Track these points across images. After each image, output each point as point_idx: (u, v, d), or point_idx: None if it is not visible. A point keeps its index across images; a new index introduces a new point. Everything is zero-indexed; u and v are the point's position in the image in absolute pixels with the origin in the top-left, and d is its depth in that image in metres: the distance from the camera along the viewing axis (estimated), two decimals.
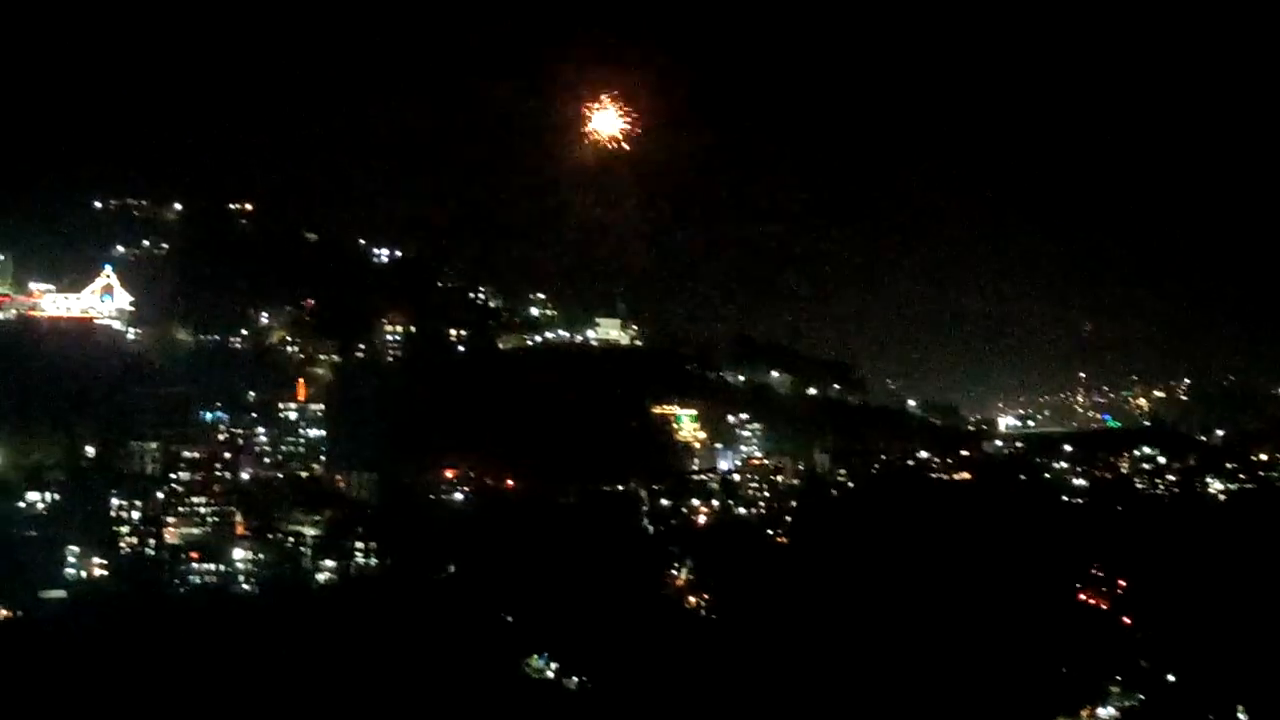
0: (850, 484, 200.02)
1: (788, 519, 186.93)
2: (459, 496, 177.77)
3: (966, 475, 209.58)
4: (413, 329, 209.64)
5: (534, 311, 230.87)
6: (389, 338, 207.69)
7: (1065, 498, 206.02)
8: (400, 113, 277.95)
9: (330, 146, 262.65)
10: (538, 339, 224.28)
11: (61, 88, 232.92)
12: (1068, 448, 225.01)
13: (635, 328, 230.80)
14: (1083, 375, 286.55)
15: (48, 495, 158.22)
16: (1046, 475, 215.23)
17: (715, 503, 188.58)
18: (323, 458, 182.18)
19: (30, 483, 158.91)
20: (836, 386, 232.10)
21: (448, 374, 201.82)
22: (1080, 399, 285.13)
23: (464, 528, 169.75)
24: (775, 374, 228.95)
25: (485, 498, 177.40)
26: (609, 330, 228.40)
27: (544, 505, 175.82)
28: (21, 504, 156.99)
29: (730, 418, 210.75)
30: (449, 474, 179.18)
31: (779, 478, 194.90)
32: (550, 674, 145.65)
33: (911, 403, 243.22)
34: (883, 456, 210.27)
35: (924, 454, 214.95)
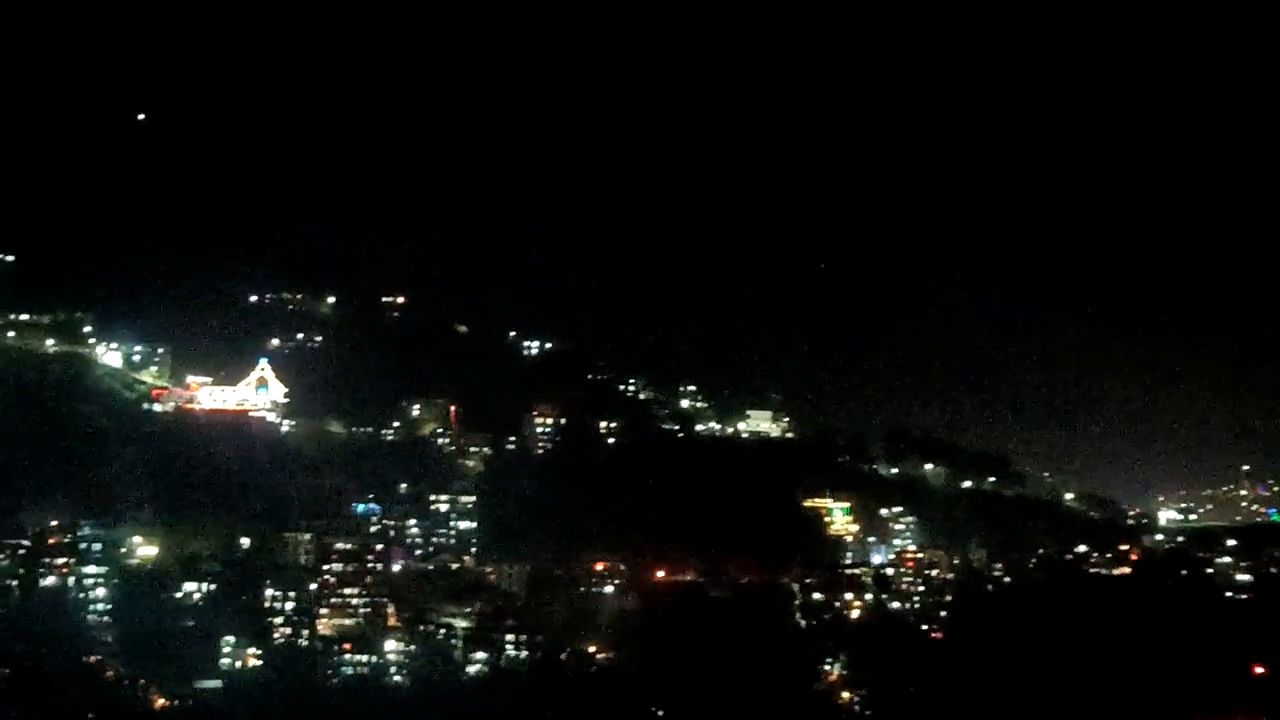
0: (1007, 579, 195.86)
1: (943, 614, 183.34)
2: (609, 589, 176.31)
3: (1126, 570, 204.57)
4: (563, 421, 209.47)
5: (685, 404, 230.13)
6: (539, 430, 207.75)
7: (1229, 593, 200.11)
8: (552, 207, 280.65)
9: (481, 239, 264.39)
10: (689, 431, 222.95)
11: (218, 185, 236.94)
12: (1231, 542, 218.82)
13: (787, 420, 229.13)
14: (1246, 468, 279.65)
15: (204, 585, 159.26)
16: (1209, 570, 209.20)
17: (869, 597, 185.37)
18: (473, 549, 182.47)
19: (187, 573, 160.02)
20: (992, 479, 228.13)
21: (598, 466, 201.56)
22: (1244, 492, 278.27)
23: (615, 621, 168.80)
24: (930, 466, 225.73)
25: (636, 590, 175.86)
26: (760, 422, 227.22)
27: (695, 598, 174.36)
28: (179, 594, 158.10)
29: (884, 511, 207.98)
30: (599, 566, 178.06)
31: (934, 572, 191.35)
32: None
33: (1069, 496, 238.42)
34: (1040, 550, 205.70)
35: (1082, 548, 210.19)
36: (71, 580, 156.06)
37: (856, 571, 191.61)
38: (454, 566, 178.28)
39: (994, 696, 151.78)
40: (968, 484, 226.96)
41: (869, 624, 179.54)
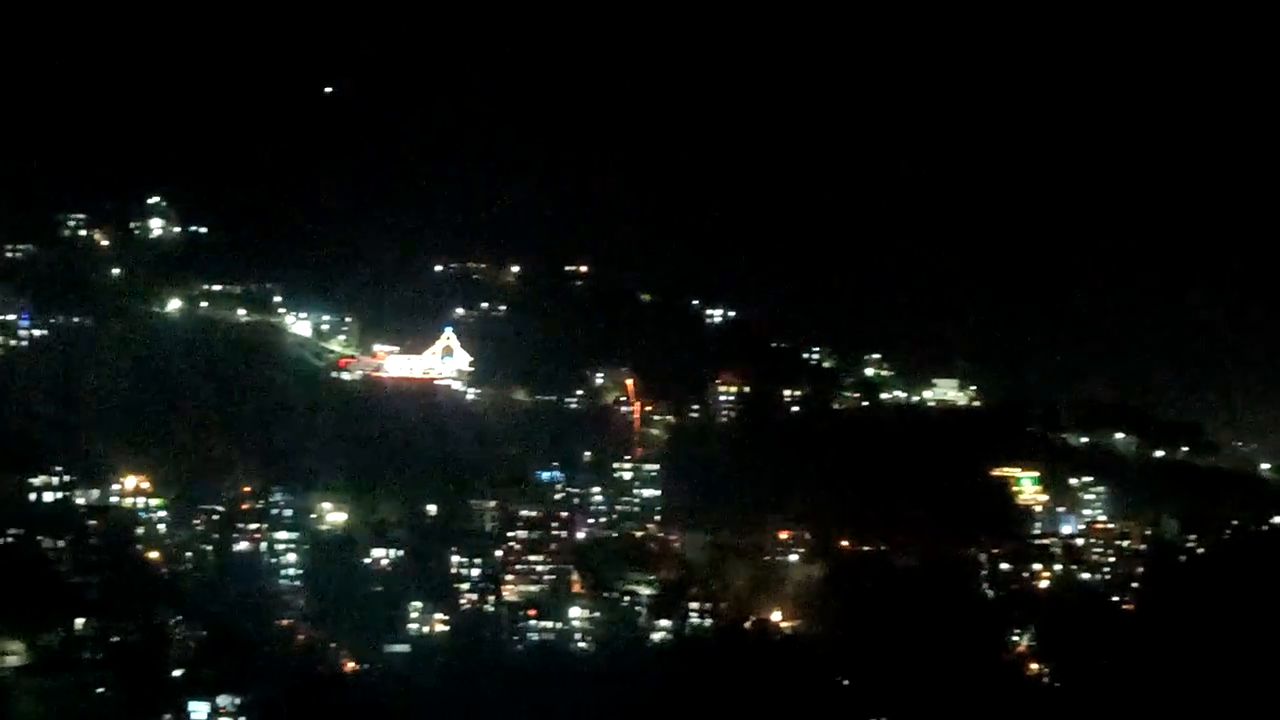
0: (1200, 550, 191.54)
1: (1134, 585, 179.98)
2: (793, 558, 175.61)
3: None
4: (746, 390, 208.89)
5: (869, 372, 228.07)
6: (722, 398, 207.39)
7: None
8: (734, 174, 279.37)
9: (663, 208, 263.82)
10: (873, 399, 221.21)
11: (403, 156, 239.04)
12: None
13: (974, 388, 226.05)
14: None
15: (391, 552, 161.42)
16: None
17: (1058, 568, 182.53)
18: (657, 518, 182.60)
19: (375, 539, 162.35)
20: (1185, 449, 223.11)
21: (781, 435, 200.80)
22: None
23: (799, 589, 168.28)
24: (1120, 435, 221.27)
25: (820, 559, 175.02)
26: (946, 390, 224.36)
27: (880, 568, 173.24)
28: (367, 560, 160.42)
29: (1073, 480, 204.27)
30: (783, 535, 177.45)
31: (1124, 543, 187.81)
32: None
33: (1264, 466, 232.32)
34: (1234, 521, 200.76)
35: (1278, 519, 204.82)
36: (264, 546, 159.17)
37: (1045, 542, 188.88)
38: (638, 534, 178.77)
39: (1187, 669, 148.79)
40: (1160, 453, 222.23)
41: (1058, 595, 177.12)
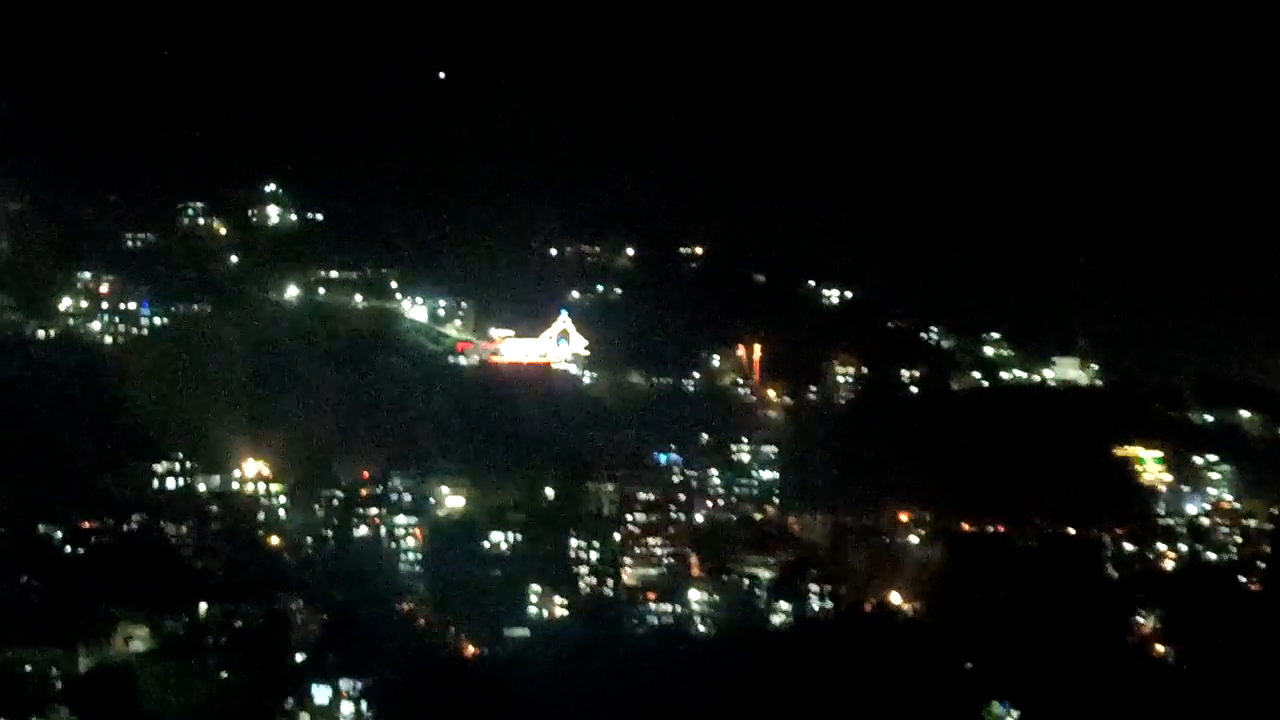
0: None
1: (1262, 565, 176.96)
2: (913, 539, 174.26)
3: None
4: (864, 370, 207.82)
5: (988, 351, 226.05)
6: (840, 379, 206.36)
7: None
8: (850, 153, 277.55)
9: (778, 189, 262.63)
10: (993, 379, 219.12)
11: (518, 141, 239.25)
12: None
13: (1095, 366, 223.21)
14: None
15: (510, 536, 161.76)
16: None
17: (1182, 548, 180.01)
18: (776, 500, 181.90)
19: (494, 523, 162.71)
20: None
21: (900, 416, 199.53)
22: None
23: (919, 571, 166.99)
24: (1246, 413, 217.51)
25: (940, 541, 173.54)
26: (1067, 370, 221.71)
27: (1002, 549, 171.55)
28: (486, 544, 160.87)
29: (1197, 459, 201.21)
30: (903, 516, 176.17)
31: (1252, 522, 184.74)
32: None
33: None
34: None
35: None
36: (383, 530, 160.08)
37: (1170, 522, 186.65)
38: (756, 516, 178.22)
39: None
40: None
41: (1184, 576, 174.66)
